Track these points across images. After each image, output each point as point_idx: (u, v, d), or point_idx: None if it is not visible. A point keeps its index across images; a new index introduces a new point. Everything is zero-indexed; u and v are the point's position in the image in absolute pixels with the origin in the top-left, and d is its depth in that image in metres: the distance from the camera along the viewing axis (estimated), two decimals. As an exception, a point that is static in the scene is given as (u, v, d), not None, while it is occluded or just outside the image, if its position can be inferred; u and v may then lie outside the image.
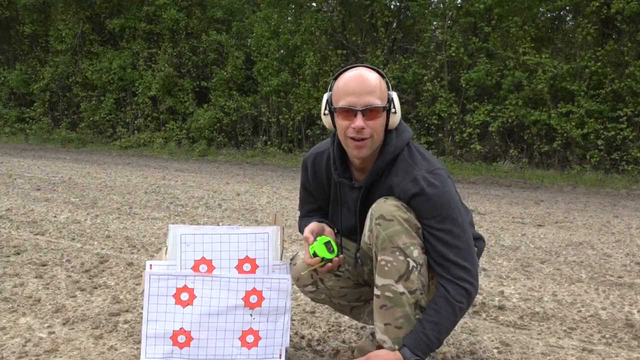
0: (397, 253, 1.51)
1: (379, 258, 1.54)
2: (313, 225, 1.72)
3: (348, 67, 1.60)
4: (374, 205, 1.58)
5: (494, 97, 8.67)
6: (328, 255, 1.65)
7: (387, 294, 1.54)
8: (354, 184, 1.68)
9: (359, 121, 1.51)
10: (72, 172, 7.04)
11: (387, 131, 1.61)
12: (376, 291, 1.57)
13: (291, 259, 1.83)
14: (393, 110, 1.56)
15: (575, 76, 8.07)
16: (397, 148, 1.59)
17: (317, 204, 1.88)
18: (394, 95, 1.57)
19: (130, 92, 11.79)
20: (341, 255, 1.69)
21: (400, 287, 1.52)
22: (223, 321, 1.77)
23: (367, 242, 1.61)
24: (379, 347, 1.63)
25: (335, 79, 1.61)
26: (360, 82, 1.53)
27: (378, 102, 1.52)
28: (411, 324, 1.55)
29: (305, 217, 1.91)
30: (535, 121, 8.13)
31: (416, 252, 1.52)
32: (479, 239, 1.80)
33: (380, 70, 1.59)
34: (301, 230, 1.92)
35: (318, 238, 1.68)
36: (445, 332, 1.55)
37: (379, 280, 1.55)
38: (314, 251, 1.66)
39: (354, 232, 1.76)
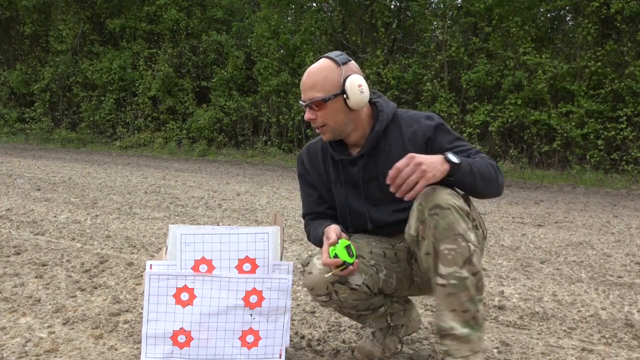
0: (460, 240, 1.51)
1: (441, 247, 1.52)
2: (336, 227, 1.71)
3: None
4: (421, 197, 1.55)
5: (494, 97, 8.67)
6: (349, 259, 1.59)
7: (453, 281, 1.53)
8: (354, 157, 1.77)
9: (306, 114, 1.73)
10: (72, 172, 7.04)
11: (373, 103, 1.77)
12: (440, 280, 1.54)
13: (305, 265, 1.75)
14: (345, 96, 1.65)
15: (575, 76, 8.07)
16: (390, 112, 1.75)
17: (318, 193, 1.90)
18: (352, 79, 1.65)
19: (131, 92, 11.80)
20: (357, 261, 1.65)
21: (464, 272, 1.52)
22: (223, 321, 1.77)
23: (414, 234, 1.57)
24: (398, 338, 1.71)
25: None
26: (304, 79, 1.70)
27: (318, 95, 1.66)
28: (475, 306, 1.54)
29: (315, 220, 1.87)
30: (535, 121, 8.13)
31: (473, 236, 1.54)
32: None
33: (336, 57, 1.68)
34: (311, 237, 1.86)
35: (340, 240, 1.63)
36: (478, 169, 1.59)
37: (443, 270, 1.53)
38: (335, 253, 1.59)
39: (362, 212, 1.80)
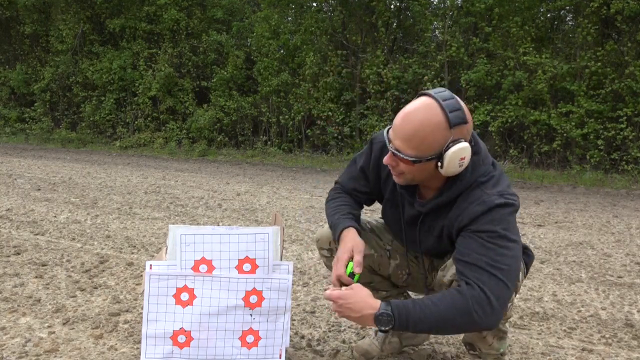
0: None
1: None
2: (360, 244, 1.60)
3: (425, 92, 1.41)
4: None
5: (494, 97, 8.67)
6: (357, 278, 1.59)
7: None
8: (414, 202, 1.58)
9: (387, 158, 1.46)
10: (72, 172, 7.04)
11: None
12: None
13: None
14: (440, 163, 1.38)
15: (575, 76, 8.07)
16: (468, 183, 1.46)
17: (368, 188, 1.75)
18: (457, 150, 1.35)
19: (131, 92, 11.80)
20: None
21: (504, 326, 1.65)
22: (223, 321, 1.77)
23: (447, 284, 1.53)
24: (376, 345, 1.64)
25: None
26: (401, 121, 1.40)
27: (408, 153, 1.39)
28: (504, 326, 1.66)
29: (346, 196, 1.77)
30: (535, 121, 8.13)
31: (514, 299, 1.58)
32: (526, 252, 1.66)
33: (450, 114, 1.34)
34: (330, 207, 1.77)
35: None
36: (431, 320, 1.35)
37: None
38: (352, 272, 1.56)
39: (407, 240, 1.73)
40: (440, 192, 1.51)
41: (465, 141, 1.38)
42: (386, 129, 1.48)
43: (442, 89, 1.42)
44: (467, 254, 1.40)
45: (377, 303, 1.40)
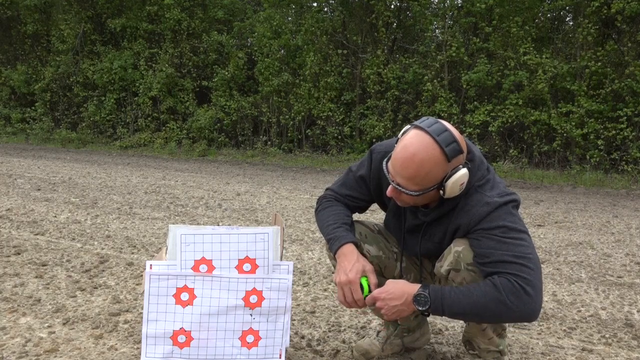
0: None
1: None
2: (371, 266, 1.63)
3: (417, 126, 1.44)
4: (460, 246, 1.52)
5: (494, 97, 8.68)
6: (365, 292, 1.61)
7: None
8: (417, 211, 1.64)
9: (389, 190, 1.52)
10: (72, 172, 7.04)
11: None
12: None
13: None
14: (442, 191, 1.46)
15: (575, 76, 8.08)
16: (467, 188, 1.51)
17: (367, 196, 1.76)
18: (457, 178, 1.42)
19: (131, 92, 11.80)
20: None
21: None
22: (223, 321, 1.77)
23: (444, 274, 1.58)
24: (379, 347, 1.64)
25: (406, 132, 1.47)
26: (401, 162, 1.43)
27: (411, 189, 1.45)
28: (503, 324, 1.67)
29: (340, 205, 1.76)
30: (535, 121, 8.14)
31: None
32: None
33: (446, 148, 1.39)
34: (322, 214, 1.76)
35: (362, 279, 1.62)
36: (465, 305, 1.41)
37: None
38: (367, 293, 1.60)
39: (408, 248, 1.75)
40: (442, 201, 1.56)
41: (463, 167, 1.44)
42: (384, 160, 1.52)
43: (432, 120, 1.45)
44: (488, 255, 1.45)
45: (415, 287, 1.50)
